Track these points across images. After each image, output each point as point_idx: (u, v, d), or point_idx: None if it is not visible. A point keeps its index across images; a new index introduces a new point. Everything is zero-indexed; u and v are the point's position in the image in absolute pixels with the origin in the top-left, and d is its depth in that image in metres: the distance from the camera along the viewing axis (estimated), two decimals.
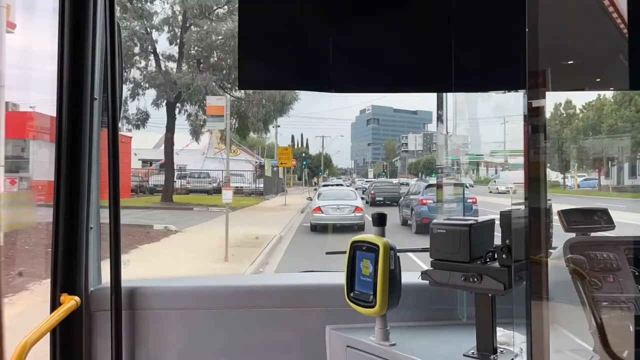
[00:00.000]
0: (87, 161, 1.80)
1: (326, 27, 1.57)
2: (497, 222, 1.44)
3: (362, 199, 19.78)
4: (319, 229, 15.66)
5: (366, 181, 46.19)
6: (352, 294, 1.59)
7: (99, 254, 1.94)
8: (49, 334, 1.68)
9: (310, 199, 19.86)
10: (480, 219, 1.48)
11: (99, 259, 1.94)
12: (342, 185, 26.88)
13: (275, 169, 32.44)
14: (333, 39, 1.56)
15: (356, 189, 22.74)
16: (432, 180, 18.41)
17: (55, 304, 1.74)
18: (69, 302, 1.71)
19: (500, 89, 1.64)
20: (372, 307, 1.52)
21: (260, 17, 1.57)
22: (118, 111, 1.81)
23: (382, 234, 1.58)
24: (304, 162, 53.56)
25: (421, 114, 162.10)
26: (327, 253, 2.38)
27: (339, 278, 1.67)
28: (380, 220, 1.60)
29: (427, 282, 1.52)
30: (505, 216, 1.36)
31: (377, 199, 24.32)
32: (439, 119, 1.82)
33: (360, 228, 14.82)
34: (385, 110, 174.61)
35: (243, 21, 1.54)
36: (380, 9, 1.58)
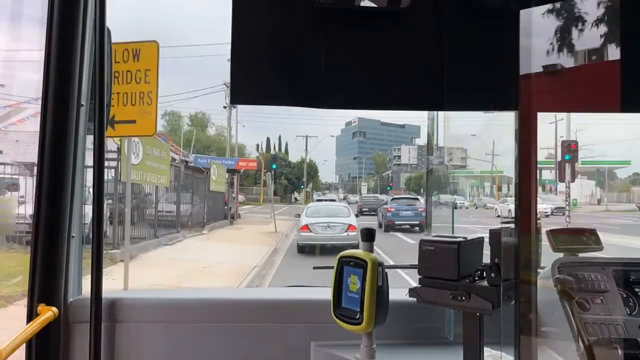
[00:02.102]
0: (71, 168, 1.76)
1: (318, 43, 1.57)
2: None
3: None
4: (307, 250, 14.07)
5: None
6: (338, 310, 1.57)
7: (81, 263, 1.89)
8: (25, 345, 1.63)
9: (298, 215, 16.67)
10: (470, 236, 1.47)
11: (80, 268, 1.89)
12: (334, 200, 26.60)
13: (221, 174, 17.38)
14: (325, 55, 1.56)
15: (349, 204, 22.69)
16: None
17: (32, 315, 1.68)
18: (46, 312, 1.66)
19: (493, 109, 1.64)
20: (359, 324, 1.49)
21: (253, 33, 1.57)
22: (105, 118, 1.78)
23: (371, 250, 1.56)
24: (273, 165, 35.87)
25: (409, 128, 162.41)
26: (315, 268, 2.36)
27: (325, 293, 1.64)
28: (368, 236, 1.58)
29: (414, 299, 1.51)
30: (495, 234, 1.36)
31: (363, 209, 29.78)
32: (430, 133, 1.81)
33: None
34: (373, 124, 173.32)
35: (236, 37, 1.54)
36: (373, 26, 1.59)
